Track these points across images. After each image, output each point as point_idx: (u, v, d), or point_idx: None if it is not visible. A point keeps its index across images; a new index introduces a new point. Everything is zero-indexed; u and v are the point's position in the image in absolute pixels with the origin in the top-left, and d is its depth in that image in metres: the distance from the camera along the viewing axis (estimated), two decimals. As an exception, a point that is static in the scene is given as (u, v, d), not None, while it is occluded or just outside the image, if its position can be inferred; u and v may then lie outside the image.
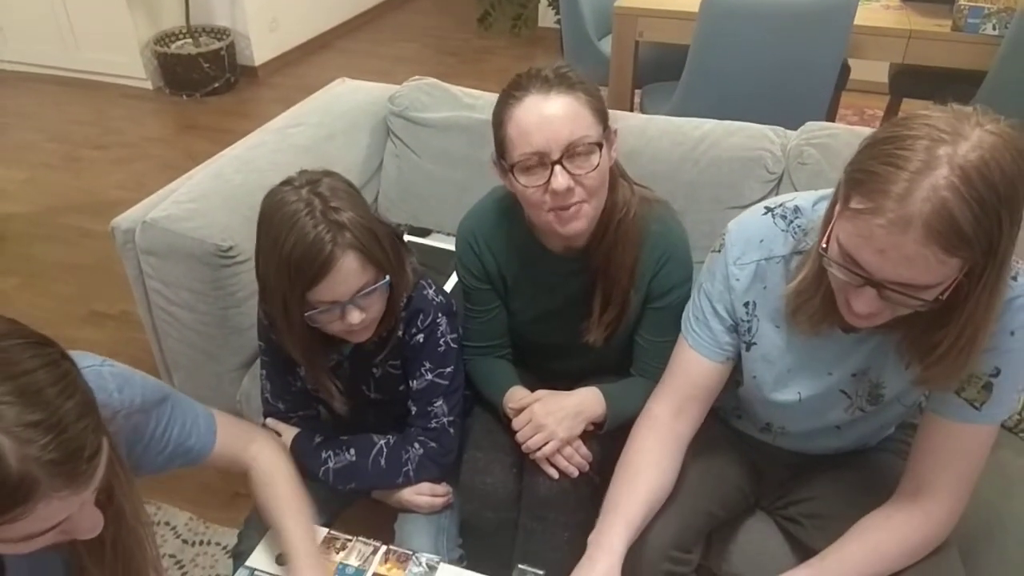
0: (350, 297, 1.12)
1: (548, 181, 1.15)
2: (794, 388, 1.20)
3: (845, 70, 2.98)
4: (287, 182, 1.15)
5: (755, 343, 1.19)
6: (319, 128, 1.96)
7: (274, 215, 1.12)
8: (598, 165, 1.16)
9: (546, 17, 4.96)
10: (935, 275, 0.89)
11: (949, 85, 2.58)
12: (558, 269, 1.34)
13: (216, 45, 4.12)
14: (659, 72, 2.87)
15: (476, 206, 1.40)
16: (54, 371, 0.71)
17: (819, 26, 2.29)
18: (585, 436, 1.31)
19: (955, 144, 0.84)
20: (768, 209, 1.16)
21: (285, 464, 1.21)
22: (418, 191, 1.99)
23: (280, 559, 1.20)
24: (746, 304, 1.17)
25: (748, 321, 1.18)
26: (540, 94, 1.15)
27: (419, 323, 1.27)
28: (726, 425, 1.40)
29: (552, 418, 1.28)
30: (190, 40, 4.15)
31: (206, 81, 4.14)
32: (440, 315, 1.29)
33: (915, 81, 2.95)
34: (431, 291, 1.30)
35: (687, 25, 2.47)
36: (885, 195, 0.86)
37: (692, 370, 1.23)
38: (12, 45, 4.43)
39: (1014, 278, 1.03)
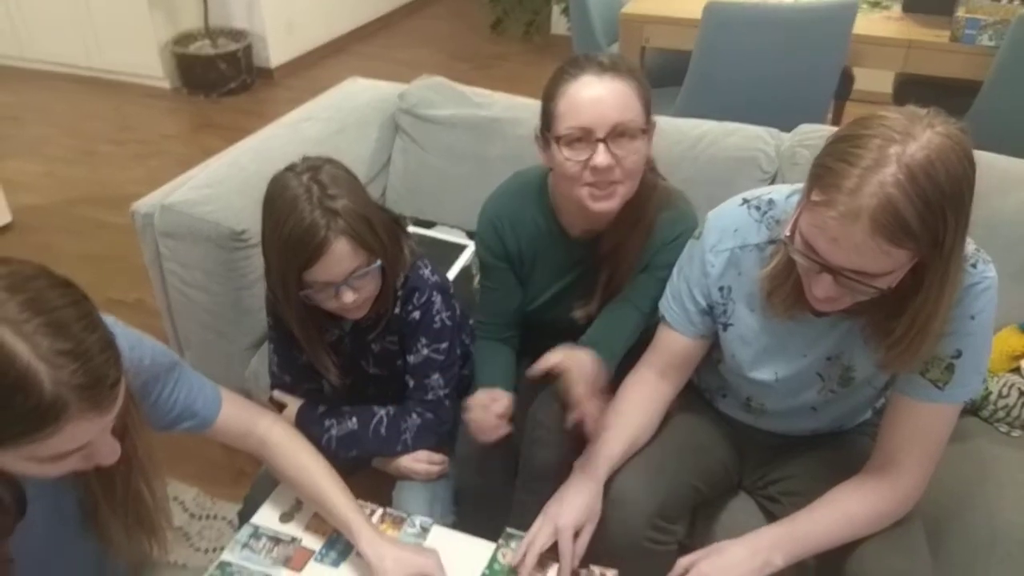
0: (343, 278, 1.20)
1: (590, 157, 1.22)
2: (771, 368, 1.27)
3: (849, 79, 3.05)
4: (290, 168, 1.22)
5: (731, 324, 1.27)
6: (330, 123, 2.04)
7: (276, 199, 1.20)
8: (639, 150, 1.24)
9: (559, 24, 5.05)
10: (883, 264, 0.96)
11: (951, 95, 2.64)
12: (574, 253, 1.41)
13: (233, 47, 4.23)
14: (665, 77, 2.93)
15: (500, 188, 1.48)
16: (79, 308, 0.79)
17: (818, 34, 2.36)
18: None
19: (905, 144, 0.91)
20: (745, 200, 1.24)
21: (301, 437, 1.27)
22: (424, 185, 2.06)
23: (284, 518, 1.27)
24: (721, 288, 1.25)
25: (724, 304, 1.26)
26: (595, 75, 1.22)
27: (415, 300, 1.34)
28: (711, 407, 1.46)
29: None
30: (208, 41, 4.26)
31: (223, 82, 4.24)
32: (435, 293, 1.36)
33: (918, 91, 3.00)
34: (427, 271, 1.37)
35: (691, 31, 2.54)
36: (838, 189, 0.93)
37: (670, 343, 1.33)
38: (35, 44, 4.54)
39: (973, 265, 1.10)
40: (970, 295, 1.09)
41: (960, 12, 2.51)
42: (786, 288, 1.15)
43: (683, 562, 1.16)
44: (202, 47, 4.24)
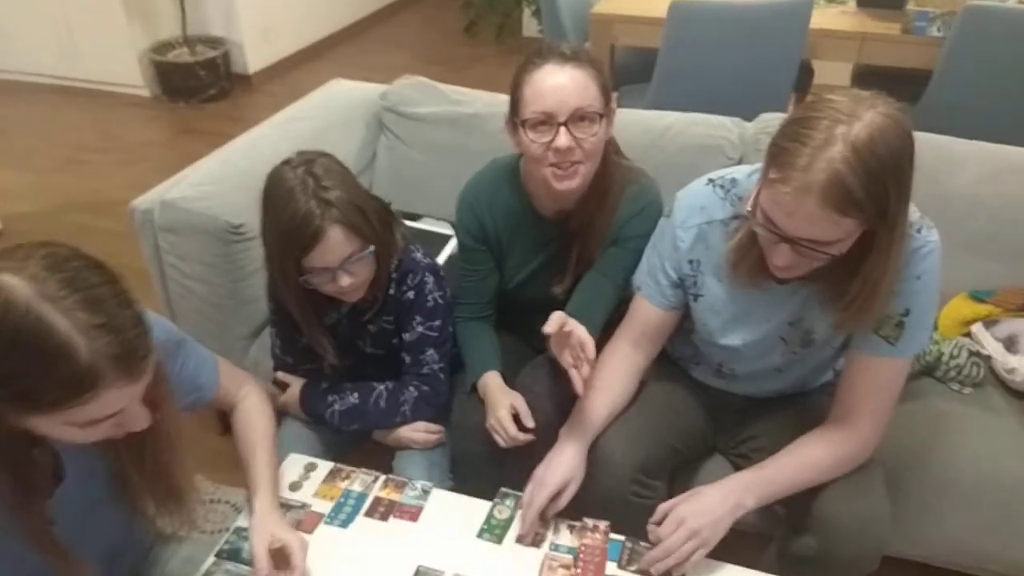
0: (339, 264, 1.29)
1: (553, 139, 1.32)
2: (739, 334, 1.38)
3: (808, 72, 3.18)
4: (287, 162, 1.32)
5: (701, 295, 1.38)
6: (316, 122, 2.13)
7: (274, 191, 1.29)
8: (597, 132, 1.34)
9: (530, 27, 5.17)
10: (834, 233, 1.07)
11: (906, 84, 2.78)
12: (547, 232, 1.51)
13: (212, 54, 4.30)
14: (635, 74, 3.05)
15: (477, 174, 1.58)
16: (112, 287, 0.87)
17: (776, 29, 2.49)
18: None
19: (850, 124, 1.02)
20: (710, 180, 1.36)
21: (268, 408, 1.36)
22: (409, 179, 2.16)
23: (293, 486, 1.37)
24: (690, 262, 1.36)
25: (693, 276, 1.37)
26: (557, 64, 1.32)
27: (409, 281, 1.45)
28: (686, 375, 1.57)
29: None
30: (186, 49, 4.32)
31: (202, 88, 4.31)
32: (428, 274, 1.46)
33: (876, 81, 3.12)
34: (419, 254, 1.47)
35: (658, 30, 2.66)
36: (792, 167, 1.04)
37: (644, 315, 1.43)
38: (11, 55, 4.57)
39: (918, 231, 1.22)
40: (916, 258, 1.21)
41: (911, 5, 2.66)
42: (750, 259, 1.26)
43: (663, 507, 1.26)
44: (180, 55, 4.30)
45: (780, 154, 1.07)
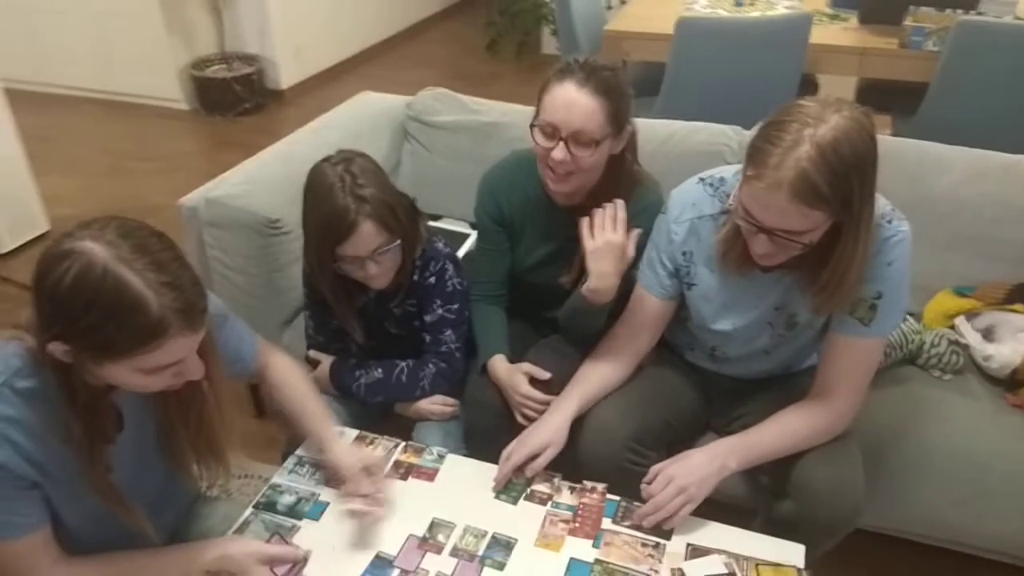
0: (369, 254, 1.45)
1: (552, 149, 1.47)
2: (729, 319, 1.51)
3: (813, 86, 3.32)
4: (328, 159, 1.49)
5: (695, 284, 1.52)
6: (346, 130, 2.30)
7: (315, 185, 1.46)
8: (594, 155, 1.48)
9: (549, 44, 5.35)
10: (804, 224, 1.21)
11: (906, 96, 2.91)
12: (558, 219, 1.65)
13: (247, 70, 4.52)
14: (645, 87, 3.17)
15: (499, 161, 1.73)
16: (173, 252, 1.02)
17: (777, 44, 2.64)
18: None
19: (816, 127, 1.16)
20: (701, 179, 1.50)
21: (297, 366, 1.50)
22: (431, 183, 2.32)
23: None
24: (684, 253, 1.50)
25: (687, 267, 1.51)
26: (576, 85, 1.44)
27: (431, 267, 1.61)
28: (682, 359, 1.70)
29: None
30: (224, 65, 4.56)
31: (237, 102, 4.53)
32: (447, 262, 1.62)
33: (878, 95, 3.27)
34: (441, 244, 1.63)
35: (666, 45, 2.81)
36: (764, 165, 1.18)
37: (644, 304, 1.56)
38: (57, 69, 4.84)
39: (889, 222, 1.35)
40: (887, 246, 1.34)
41: (907, 21, 2.79)
42: (736, 250, 1.39)
43: (654, 468, 1.38)
44: (218, 70, 4.54)
45: (755, 154, 1.21)
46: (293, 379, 1.47)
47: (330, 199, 1.42)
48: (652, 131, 2.15)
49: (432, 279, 1.61)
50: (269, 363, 1.47)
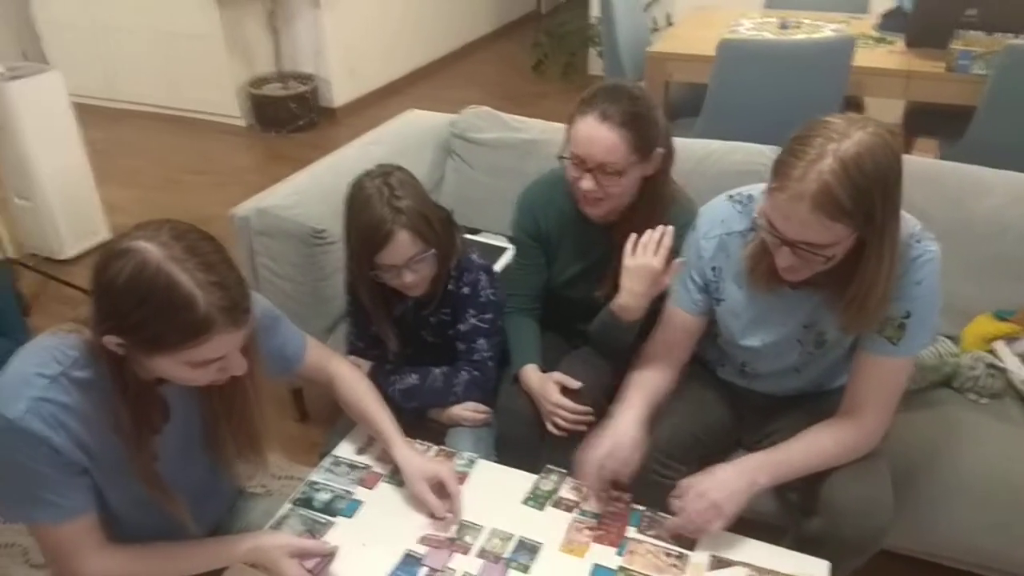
0: (405, 263, 1.52)
1: (580, 178, 1.54)
2: (758, 336, 1.53)
3: (858, 109, 3.30)
4: (368, 173, 1.56)
5: (723, 299, 1.54)
6: (392, 146, 2.38)
7: (355, 197, 1.54)
8: (620, 183, 1.54)
9: (595, 65, 5.41)
10: (826, 237, 1.23)
11: (954, 120, 2.88)
12: (593, 236, 1.70)
13: (302, 88, 4.68)
14: (687, 108, 3.23)
15: (538, 179, 1.79)
16: (221, 254, 1.08)
17: (819, 66, 2.64)
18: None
19: (840, 141, 1.18)
20: (730, 196, 1.53)
21: (361, 373, 1.58)
22: (472, 198, 2.38)
23: (359, 451, 1.57)
24: (713, 269, 1.52)
25: (716, 282, 1.53)
26: (596, 120, 1.50)
27: (465, 278, 1.66)
28: (713, 374, 1.72)
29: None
30: (280, 84, 4.72)
31: (292, 119, 4.68)
32: (482, 273, 1.68)
33: (925, 118, 3.24)
34: (475, 256, 1.69)
35: (708, 67, 2.83)
36: (788, 177, 1.21)
37: (677, 321, 1.58)
38: (125, 85, 5.08)
39: (918, 241, 1.36)
40: (915, 266, 1.35)
41: (955, 44, 2.77)
42: (763, 265, 1.41)
43: (683, 483, 1.39)
44: (274, 89, 4.70)
45: (780, 167, 1.24)
46: (355, 386, 1.53)
47: (368, 209, 1.49)
48: (689, 150, 2.18)
49: (466, 289, 1.66)
50: (328, 369, 1.53)
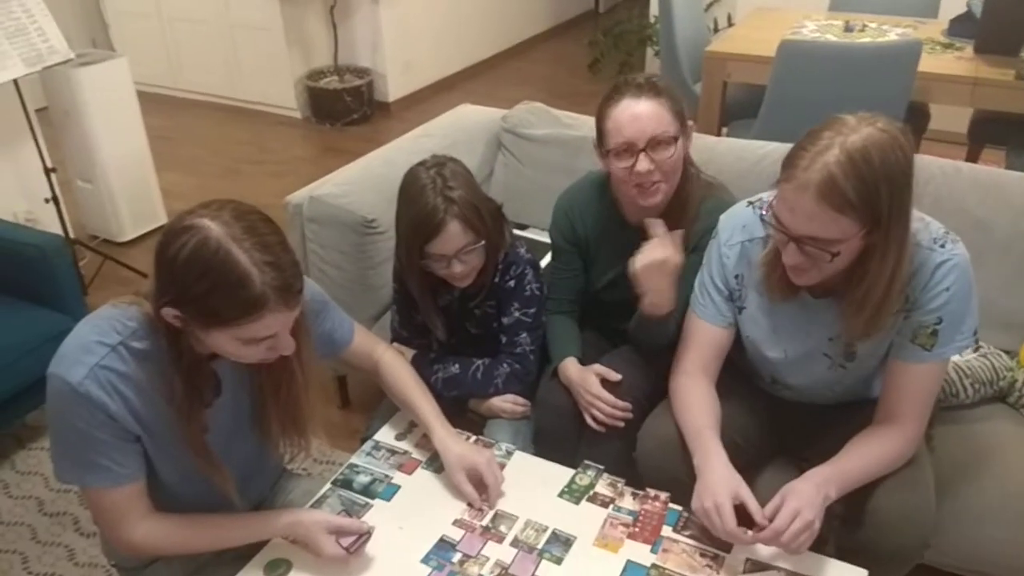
0: (455, 253, 1.53)
1: (634, 164, 1.52)
2: (780, 346, 1.50)
3: (924, 116, 3.22)
4: (422, 163, 1.58)
5: (745, 307, 1.51)
6: (443, 139, 2.40)
7: (409, 186, 1.55)
8: (674, 153, 1.53)
9: (652, 66, 5.36)
10: (831, 231, 1.20)
11: (1022, 130, 2.79)
12: (632, 239, 1.68)
13: (358, 82, 4.75)
14: (744, 110, 3.19)
15: (574, 184, 1.79)
16: (278, 236, 1.11)
17: (882, 70, 2.57)
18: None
19: (848, 136, 1.17)
20: (750, 203, 1.50)
21: (405, 361, 1.61)
22: (520, 193, 2.39)
23: (398, 437, 1.59)
24: (736, 276, 1.49)
25: (739, 290, 1.50)
26: (633, 98, 1.52)
27: (512, 272, 1.67)
28: (750, 382, 1.67)
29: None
30: (336, 77, 4.80)
31: (347, 112, 4.76)
32: (528, 268, 1.68)
33: (992, 127, 3.15)
34: (523, 250, 1.69)
35: (768, 68, 2.79)
36: (795, 168, 1.20)
37: (706, 336, 1.54)
38: (190, 75, 5.23)
39: (942, 245, 1.33)
40: (941, 271, 1.32)
41: (1024, 52, 2.68)
42: (779, 271, 1.38)
43: (774, 504, 1.28)
44: (331, 82, 4.78)
45: (789, 159, 1.23)
46: (398, 373, 1.56)
47: (421, 199, 1.50)
48: (745, 151, 2.16)
49: (512, 283, 1.67)
50: (373, 355, 1.56)
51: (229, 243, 1.05)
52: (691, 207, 1.62)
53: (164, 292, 1.09)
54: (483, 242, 1.55)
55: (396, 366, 1.57)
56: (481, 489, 1.42)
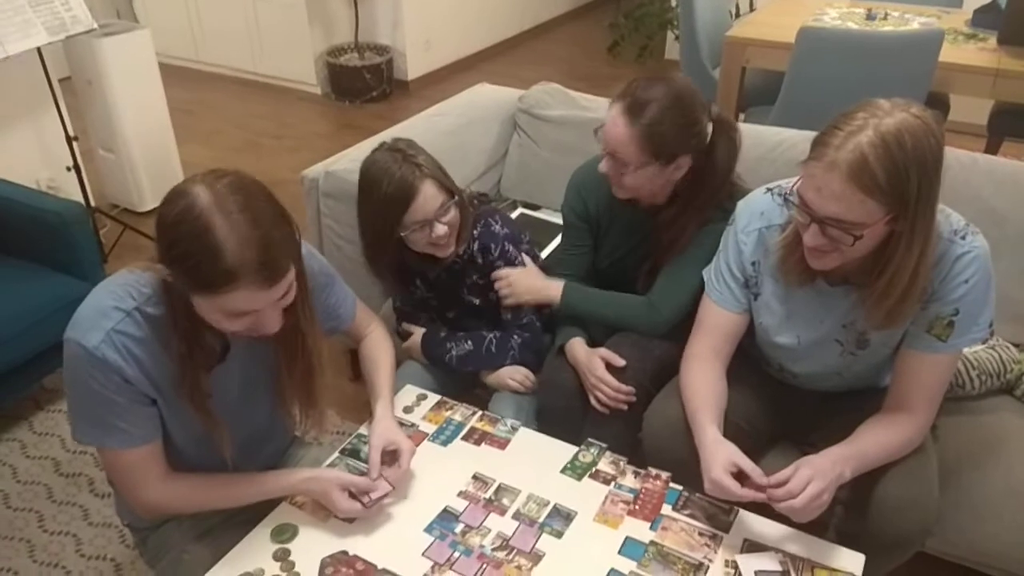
0: (434, 215, 1.55)
1: (603, 156, 1.59)
2: (793, 332, 1.50)
3: (943, 105, 3.19)
4: (377, 149, 1.60)
5: (760, 294, 1.51)
6: (459, 118, 2.42)
7: (370, 171, 1.58)
8: (633, 174, 1.56)
9: (672, 50, 5.32)
10: (856, 213, 1.20)
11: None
12: (640, 217, 1.71)
13: (378, 60, 4.76)
14: (762, 96, 3.17)
15: (587, 162, 1.80)
16: (275, 209, 1.10)
17: (902, 59, 2.55)
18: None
19: (883, 119, 1.17)
20: (768, 189, 1.50)
21: (389, 341, 1.62)
22: (534, 174, 2.40)
23: (406, 410, 1.62)
24: (753, 263, 1.50)
25: (755, 276, 1.50)
26: (619, 113, 1.54)
27: (493, 251, 1.70)
28: (758, 368, 1.69)
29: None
30: (357, 54, 4.81)
31: (366, 90, 4.77)
32: (506, 243, 1.71)
33: (1013, 119, 3.11)
34: (497, 226, 1.72)
35: (787, 54, 2.78)
36: (826, 146, 1.19)
37: (720, 321, 1.54)
38: (213, 49, 5.25)
39: (963, 237, 1.32)
40: (961, 263, 1.31)
41: (1049, 44, 2.64)
42: (796, 255, 1.38)
43: (786, 472, 1.29)
44: (351, 59, 4.79)
45: (820, 139, 1.22)
46: (376, 351, 1.58)
47: (388, 174, 1.54)
48: (761, 137, 2.15)
49: (500, 263, 1.71)
50: (365, 330, 1.59)
51: (213, 213, 1.04)
52: (699, 202, 1.64)
53: (157, 250, 1.10)
54: (456, 197, 1.59)
55: (378, 339, 1.60)
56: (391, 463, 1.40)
